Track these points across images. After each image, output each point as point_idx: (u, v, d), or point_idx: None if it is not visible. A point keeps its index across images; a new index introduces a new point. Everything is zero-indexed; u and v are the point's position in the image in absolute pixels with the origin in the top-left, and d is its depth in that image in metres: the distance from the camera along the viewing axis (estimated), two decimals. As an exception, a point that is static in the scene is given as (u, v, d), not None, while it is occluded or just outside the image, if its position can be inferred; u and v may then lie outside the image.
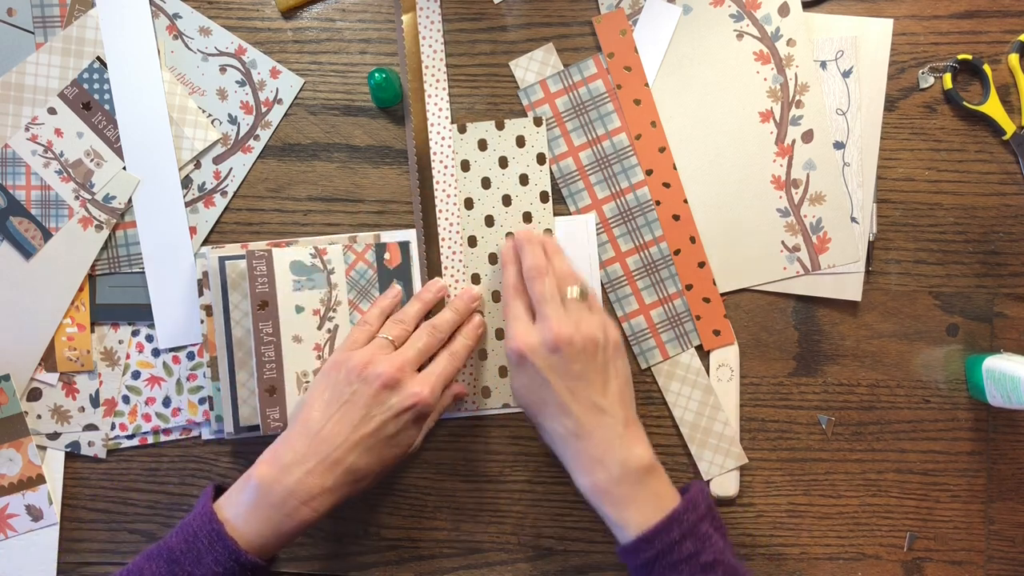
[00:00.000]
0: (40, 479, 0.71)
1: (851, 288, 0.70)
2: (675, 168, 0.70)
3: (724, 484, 0.70)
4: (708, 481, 0.70)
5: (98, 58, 0.70)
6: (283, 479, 0.58)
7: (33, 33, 0.70)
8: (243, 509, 0.58)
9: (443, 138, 0.71)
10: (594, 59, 0.71)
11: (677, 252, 0.70)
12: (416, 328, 0.67)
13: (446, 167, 0.71)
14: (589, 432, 0.60)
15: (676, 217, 0.70)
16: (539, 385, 0.61)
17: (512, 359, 0.62)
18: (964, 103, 0.70)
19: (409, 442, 0.63)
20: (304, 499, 0.58)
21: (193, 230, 0.71)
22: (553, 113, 0.71)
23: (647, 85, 0.70)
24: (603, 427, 0.60)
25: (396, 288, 0.70)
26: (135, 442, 0.72)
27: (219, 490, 0.62)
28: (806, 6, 0.70)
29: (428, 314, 0.69)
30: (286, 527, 0.58)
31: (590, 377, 0.61)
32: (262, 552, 0.58)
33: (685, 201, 0.70)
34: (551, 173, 0.71)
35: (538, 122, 0.71)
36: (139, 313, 0.71)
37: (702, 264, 0.70)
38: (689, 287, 0.70)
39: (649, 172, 0.70)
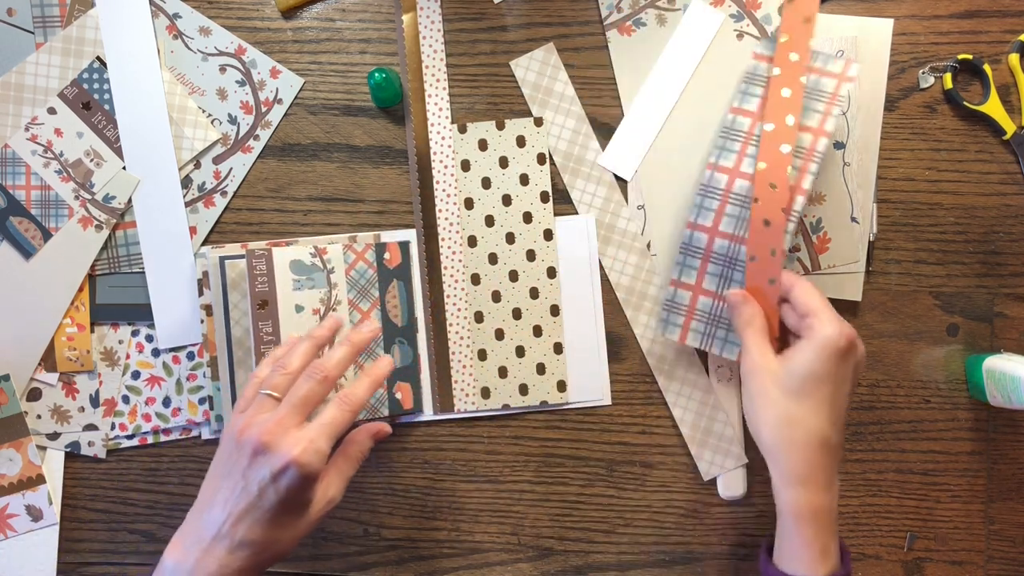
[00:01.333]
0: (40, 479, 0.71)
1: (851, 288, 0.70)
2: (789, 171, 0.64)
3: (732, 484, 0.70)
4: (714, 479, 0.71)
5: (98, 58, 0.70)
6: (185, 561, 0.56)
7: (33, 33, 0.70)
8: None
9: (443, 138, 0.71)
10: None
11: (753, 259, 0.65)
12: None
13: (446, 167, 0.71)
14: (834, 450, 0.59)
15: (767, 223, 0.64)
16: (839, 380, 0.59)
17: (841, 343, 0.58)
18: (964, 103, 0.70)
19: (304, 505, 0.58)
20: None
21: (193, 230, 0.71)
22: (767, 73, 0.67)
23: (802, 79, 0.65)
24: (838, 454, 0.60)
25: (332, 319, 0.64)
26: (135, 442, 0.72)
27: None
28: (806, 6, 0.70)
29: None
30: None
31: (849, 402, 0.61)
32: None
33: (784, 210, 0.64)
34: (551, 171, 0.71)
35: (538, 122, 0.71)
36: (139, 313, 0.71)
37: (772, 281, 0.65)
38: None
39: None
